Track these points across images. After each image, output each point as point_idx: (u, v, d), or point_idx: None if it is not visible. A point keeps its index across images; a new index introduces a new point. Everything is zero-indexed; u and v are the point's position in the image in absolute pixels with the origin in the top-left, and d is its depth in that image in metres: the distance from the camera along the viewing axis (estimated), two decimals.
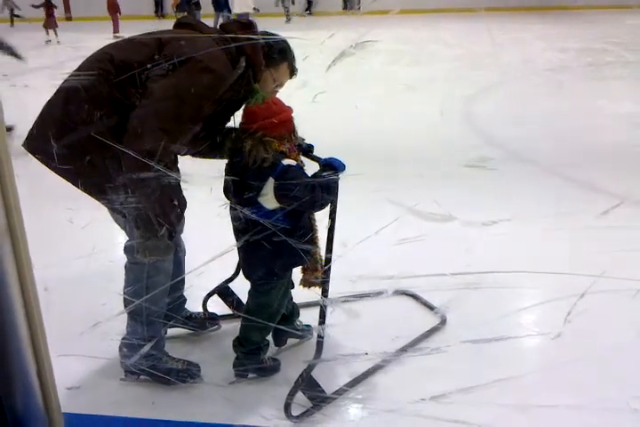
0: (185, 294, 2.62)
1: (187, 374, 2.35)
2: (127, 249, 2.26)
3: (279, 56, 2.30)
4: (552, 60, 10.05)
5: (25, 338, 1.04)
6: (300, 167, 2.16)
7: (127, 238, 2.24)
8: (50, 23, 16.25)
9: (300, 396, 2.13)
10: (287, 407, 2.13)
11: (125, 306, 2.29)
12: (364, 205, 3.07)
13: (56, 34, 16.25)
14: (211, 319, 2.71)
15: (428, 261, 2.72)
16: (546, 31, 14.19)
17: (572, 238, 3.20)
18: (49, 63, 11.73)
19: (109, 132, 2.00)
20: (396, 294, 2.67)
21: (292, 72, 2.39)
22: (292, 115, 2.20)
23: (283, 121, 2.16)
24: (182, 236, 2.47)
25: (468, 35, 13.98)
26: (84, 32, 18.54)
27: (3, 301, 1.00)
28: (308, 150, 2.33)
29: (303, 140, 2.33)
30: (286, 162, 2.10)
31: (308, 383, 2.17)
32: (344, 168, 2.16)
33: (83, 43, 15.32)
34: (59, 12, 22.12)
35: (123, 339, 2.35)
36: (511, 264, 2.45)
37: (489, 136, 5.92)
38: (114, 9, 17.55)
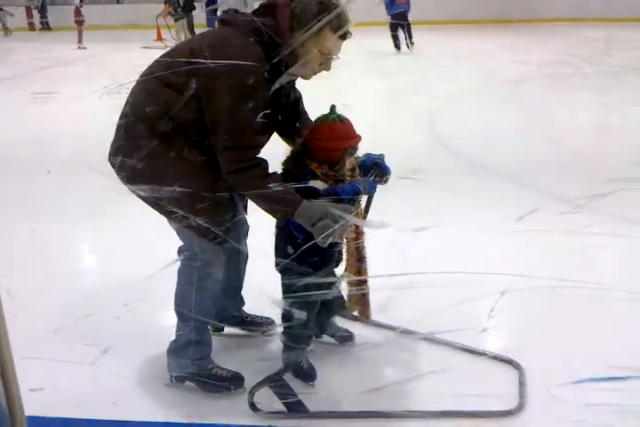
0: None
1: (231, 383, 2.32)
2: (180, 250, 2.29)
3: (316, 20, 1.89)
4: (515, 72, 10.37)
5: None
6: (325, 193, 2.11)
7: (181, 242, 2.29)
8: None
9: None
10: (251, 399, 2.22)
11: (175, 308, 2.31)
12: None
13: None
14: (267, 323, 2.70)
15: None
16: (510, 42, 14.57)
17: (497, 242, 3.61)
18: (9, 74, 11.61)
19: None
20: (500, 362, 2.51)
21: (343, 34, 1.98)
22: (346, 147, 2.17)
23: (324, 148, 2.15)
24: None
25: (434, 46, 14.28)
26: (47, 42, 18.57)
27: None
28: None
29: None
30: (312, 183, 2.12)
31: (281, 387, 2.27)
32: (347, 194, 2.12)
33: (47, 53, 15.19)
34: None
35: (171, 342, 2.36)
36: (443, 266, 2.63)
37: (448, 147, 6.13)
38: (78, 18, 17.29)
